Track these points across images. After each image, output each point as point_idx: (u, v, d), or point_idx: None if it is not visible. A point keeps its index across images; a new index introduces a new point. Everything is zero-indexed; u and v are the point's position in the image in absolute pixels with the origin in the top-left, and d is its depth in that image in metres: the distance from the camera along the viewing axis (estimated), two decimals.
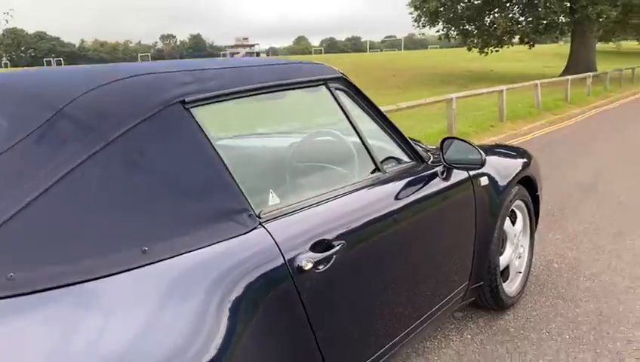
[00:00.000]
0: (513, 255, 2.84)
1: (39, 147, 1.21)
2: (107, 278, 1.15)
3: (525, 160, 2.94)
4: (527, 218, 2.98)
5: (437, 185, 2.18)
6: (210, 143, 1.44)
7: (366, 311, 1.80)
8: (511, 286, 2.87)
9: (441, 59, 33.83)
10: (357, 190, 1.85)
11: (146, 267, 1.21)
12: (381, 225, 1.85)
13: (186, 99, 1.43)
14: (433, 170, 2.20)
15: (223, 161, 1.44)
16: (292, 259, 1.48)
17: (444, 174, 2.23)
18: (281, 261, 1.45)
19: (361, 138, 1.95)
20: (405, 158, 2.17)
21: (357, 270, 1.71)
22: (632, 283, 3.14)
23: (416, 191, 2.06)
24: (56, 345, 1.03)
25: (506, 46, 25.02)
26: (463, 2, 24.64)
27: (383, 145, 2.11)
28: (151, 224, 1.27)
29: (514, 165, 2.78)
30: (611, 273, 3.30)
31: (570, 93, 14.17)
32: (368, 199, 1.87)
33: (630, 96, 15.85)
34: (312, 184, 1.97)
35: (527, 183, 2.92)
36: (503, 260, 2.75)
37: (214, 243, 1.35)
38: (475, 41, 25.50)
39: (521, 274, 2.97)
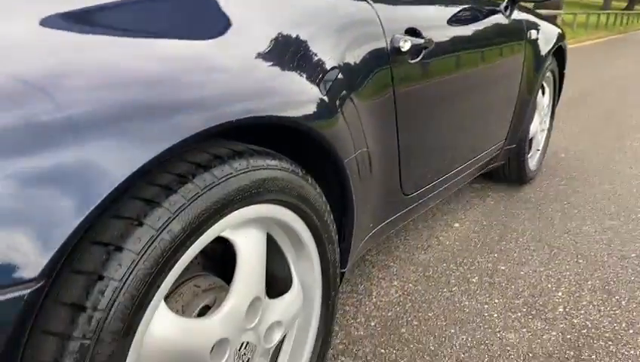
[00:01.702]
0: (539, 127, 2.75)
1: None
2: None
3: (560, 31, 2.80)
4: (552, 93, 2.89)
5: (500, 20, 2.01)
6: None
7: (438, 128, 1.65)
8: (531, 161, 2.80)
9: None
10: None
11: None
12: (460, 43, 1.68)
13: None
14: (499, 7, 2.02)
15: None
16: (392, 38, 1.29)
17: (508, 10, 2.06)
18: (383, 38, 1.26)
19: None
20: None
21: (438, 75, 1.54)
22: (639, 172, 3.15)
23: (484, 22, 1.88)
24: None
25: None
26: None
27: None
28: None
29: (553, 31, 2.64)
30: (617, 163, 3.30)
31: None
32: (450, 13, 1.68)
33: (597, 39, 16.02)
34: None
35: (558, 56, 2.80)
36: (531, 129, 2.65)
37: None
38: None
39: (539, 152, 2.90)
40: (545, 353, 1.49)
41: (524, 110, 2.41)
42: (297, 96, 0.94)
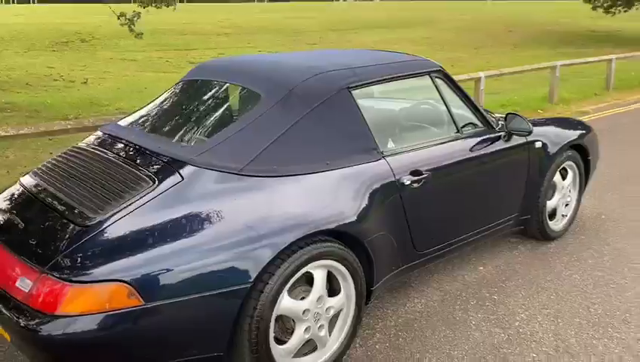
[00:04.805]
0: (560, 201, 3.84)
1: (281, 110, 2.47)
2: (310, 175, 2.41)
3: (582, 131, 3.87)
4: (577, 176, 3.94)
5: (500, 145, 3.25)
6: (360, 111, 2.64)
7: (441, 217, 2.97)
8: (557, 225, 3.89)
9: (564, 15, 32.33)
10: (442, 143, 2.99)
11: (327, 172, 2.46)
12: (455, 168, 2.99)
13: (349, 86, 2.63)
14: (497, 134, 3.27)
15: (366, 122, 2.64)
16: (399, 178, 2.68)
17: (506, 137, 3.29)
18: (393, 178, 2.66)
19: (448, 110, 3.06)
20: (479, 125, 3.24)
21: (437, 191, 2.88)
22: None
23: (484, 148, 3.15)
24: (293, 202, 2.31)
25: (635, 8, 23.41)
26: None
27: (465, 114, 3.20)
28: (330, 152, 2.51)
29: (567, 135, 3.74)
30: None
31: None
32: (448, 150, 3.00)
33: None
34: (413, 136, 3.12)
35: (580, 150, 3.87)
36: (551, 203, 3.77)
37: (360, 164, 2.58)
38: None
39: (566, 217, 3.96)
40: (492, 345, 2.72)
41: (536, 192, 3.56)
42: (341, 218, 2.39)
